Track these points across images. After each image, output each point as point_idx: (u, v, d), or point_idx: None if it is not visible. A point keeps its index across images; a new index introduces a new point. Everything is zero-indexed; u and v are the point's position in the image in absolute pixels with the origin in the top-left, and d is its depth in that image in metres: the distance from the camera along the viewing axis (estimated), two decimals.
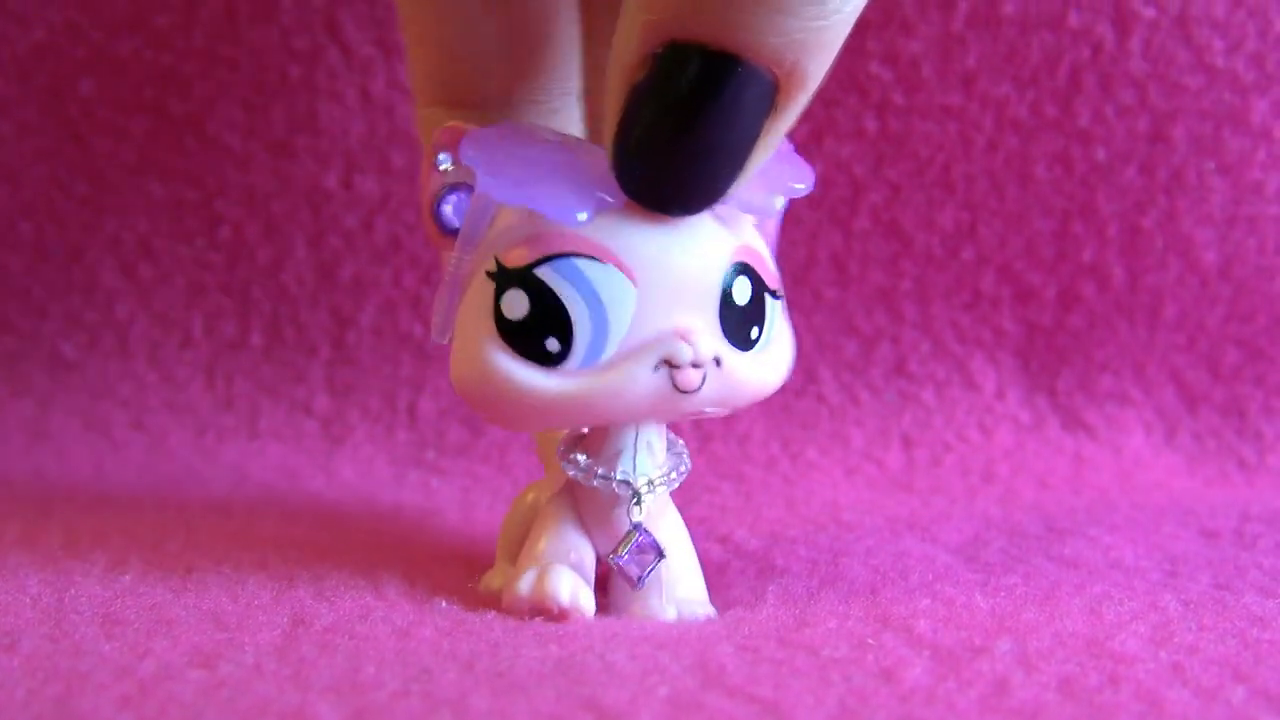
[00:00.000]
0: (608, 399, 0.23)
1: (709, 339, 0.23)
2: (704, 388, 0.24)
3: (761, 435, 0.44)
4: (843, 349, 0.45)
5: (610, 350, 0.23)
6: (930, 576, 0.28)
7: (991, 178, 0.44)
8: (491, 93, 0.26)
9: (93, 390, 0.45)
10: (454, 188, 0.24)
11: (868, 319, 0.45)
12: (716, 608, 0.26)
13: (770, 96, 0.21)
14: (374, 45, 0.44)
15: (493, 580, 0.28)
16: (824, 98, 0.44)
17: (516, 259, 0.23)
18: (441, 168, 0.24)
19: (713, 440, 0.44)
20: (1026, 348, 0.45)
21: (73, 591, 0.26)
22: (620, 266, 0.23)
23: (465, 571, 0.29)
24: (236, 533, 0.32)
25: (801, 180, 0.25)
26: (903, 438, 0.44)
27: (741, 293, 0.24)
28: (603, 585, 0.26)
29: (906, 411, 0.45)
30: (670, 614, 0.25)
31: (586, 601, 0.25)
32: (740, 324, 0.24)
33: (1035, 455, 0.43)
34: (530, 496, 0.29)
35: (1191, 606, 0.26)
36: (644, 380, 0.23)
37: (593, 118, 0.28)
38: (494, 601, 0.26)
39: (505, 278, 0.23)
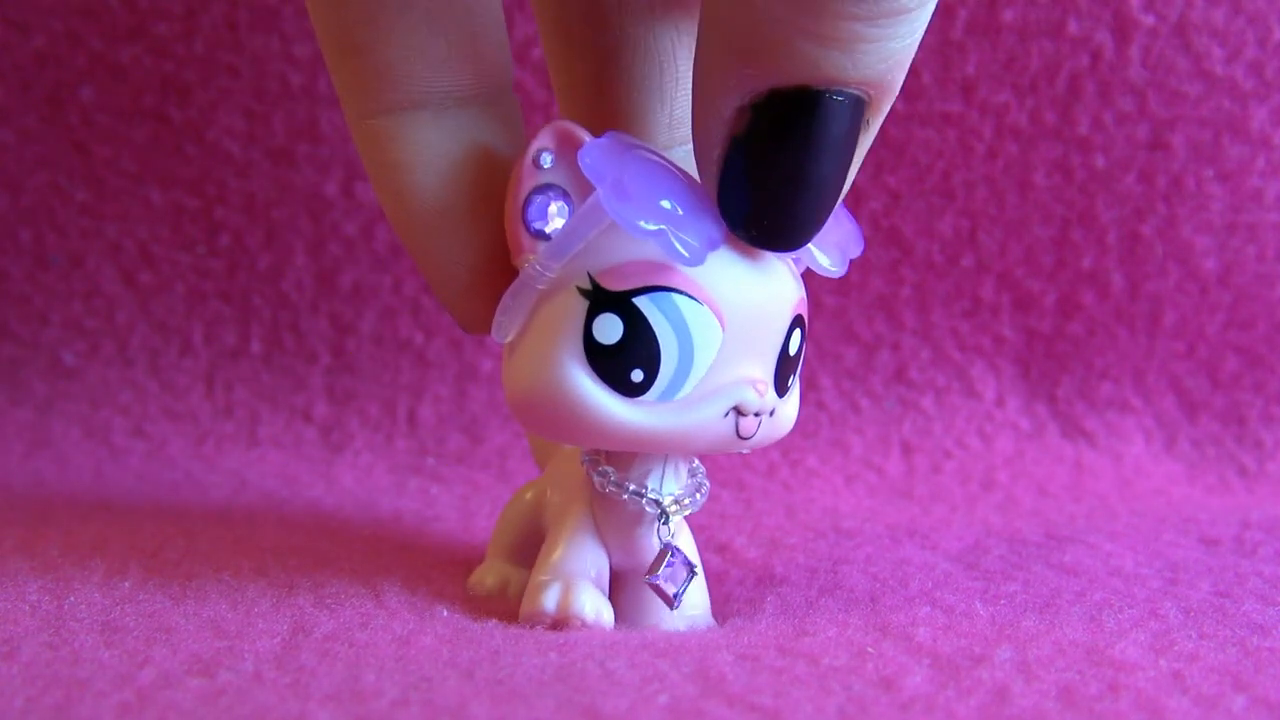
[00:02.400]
0: (676, 435, 0.23)
1: (771, 390, 0.24)
2: (756, 435, 0.24)
3: None
4: (843, 356, 0.45)
5: (687, 389, 0.23)
6: (930, 584, 0.28)
7: (991, 185, 0.44)
8: (442, 97, 0.24)
9: (93, 397, 0.45)
10: (541, 189, 0.23)
11: (868, 326, 0.45)
12: (716, 616, 0.26)
13: (863, 114, 0.21)
14: None
15: (485, 577, 0.28)
16: None
17: (616, 282, 0.22)
18: (545, 166, 0.23)
19: None
20: (1026, 355, 0.45)
21: (72, 599, 0.26)
22: (714, 309, 0.23)
23: (465, 579, 0.29)
24: (236, 540, 0.32)
25: (859, 244, 0.25)
26: (903, 445, 0.44)
27: (794, 344, 0.24)
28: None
29: (906, 419, 0.44)
30: (680, 628, 0.25)
31: (609, 618, 0.25)
32: (786, 373, 0.24)
33: (1035, 462, 0.43)
34: (529, 495, 0.28)
35: (1192, 614, 0.26)
36: (714, 423, 0.23)
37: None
38: (491, 606, 0.26)
39: (601, 299, 0.22)
